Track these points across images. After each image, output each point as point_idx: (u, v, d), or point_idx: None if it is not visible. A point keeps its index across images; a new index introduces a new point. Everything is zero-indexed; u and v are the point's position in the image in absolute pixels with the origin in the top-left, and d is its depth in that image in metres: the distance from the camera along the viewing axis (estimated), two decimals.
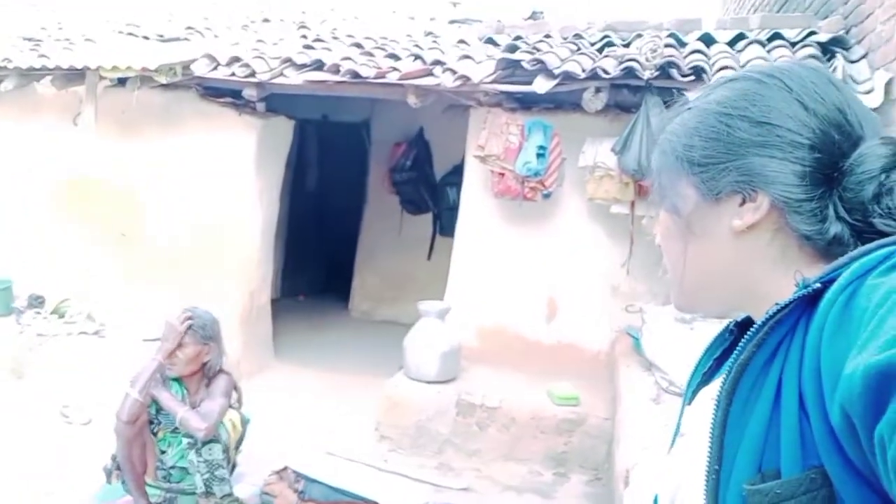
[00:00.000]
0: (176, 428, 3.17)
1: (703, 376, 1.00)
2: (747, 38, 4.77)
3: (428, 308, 4.59)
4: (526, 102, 4.85)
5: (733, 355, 0.78)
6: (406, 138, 7.29)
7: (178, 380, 3.27)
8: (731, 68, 4.16)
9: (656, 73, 4.20)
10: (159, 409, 3.20)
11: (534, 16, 7.08)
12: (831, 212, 0.80)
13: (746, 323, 0.98)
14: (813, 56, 4.32)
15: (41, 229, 5.65)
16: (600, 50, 4.71)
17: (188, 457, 3.16)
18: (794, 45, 4.62)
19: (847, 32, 4.58)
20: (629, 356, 4.27)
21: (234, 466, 3.38)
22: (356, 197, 7.84)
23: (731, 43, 4.78)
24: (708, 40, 4.80)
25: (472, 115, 5.01)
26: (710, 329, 3.15)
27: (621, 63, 4.27)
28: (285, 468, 3.39)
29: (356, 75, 4.61)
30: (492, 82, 4.51)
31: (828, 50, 4.41)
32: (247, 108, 5.31)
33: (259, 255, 5.42)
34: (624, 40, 4.93)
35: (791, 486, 0.67)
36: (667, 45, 4.53)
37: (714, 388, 0.92)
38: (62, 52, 5.30)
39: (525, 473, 4.16)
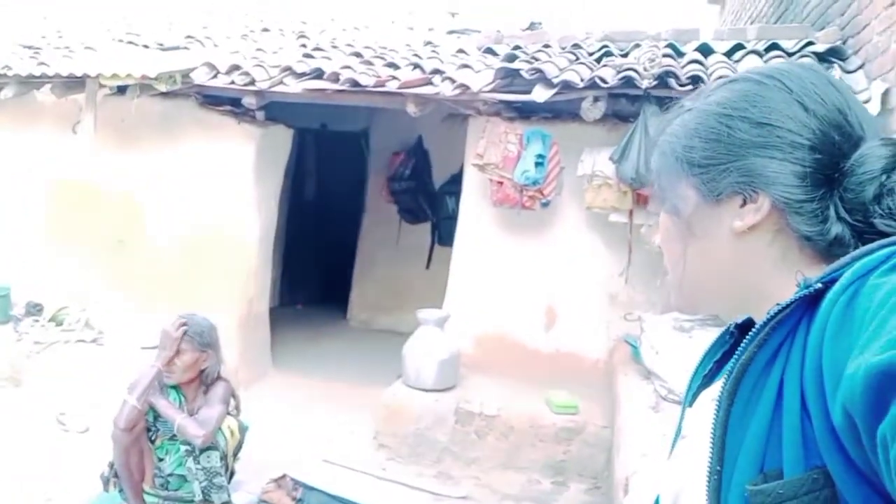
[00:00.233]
0: (174, 435, 3.17)
1: (704, 379, 1.00)
2: (745, 48, 4.79)
3: (427, 316, 4.59)
4: (524, 112, 4.87)
5: (735, 356, 0.78)
6: (405, 147, 7.31)
7: (175, 387, 3.26)
8: None
9: (654, 83, 4.21)
10: (157, 417, 3.19)
11: (532, 26, 7.12)
12: (832, 212, 0.80)
13: (747, 325, 0.99)
14: None
15: (40, 237, 5.65)
16: (598, 60, 4.73)
17: (186, 464, 3.15)
18: (791, 55, 4.64)
19: (844, 43, 4.61)
20: (628, 364, 4.27)
21: (232, 474, 3.37)
22: (355, 206, 7.85)
23: (729, 53, 4.80)
24: (706, 50, 4.82)
25: (471, 124, 5.02)
26: (708, 337, 3.14)
27: (619, 72, 4.29)
28: (283, 476, 3.38)
29: (355, 84, 4.62)
30: (490, 91, 4.53)
31: (824, 60, 4.43)
32: (246, 117, 5.32)
33: (257, 263, 5.42)
34: (622, 50, 4.95)
35: (793, 486, 0.67)
36: (665, 55, 4.55)
37: (715, 389, 0.92)
38: (62, 60, 5.31)
39: (524, 482, 4.15)
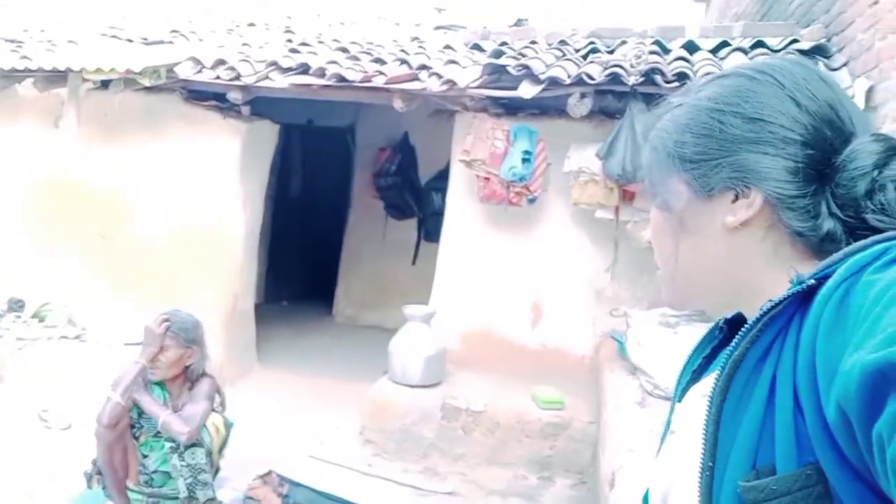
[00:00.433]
0: (158, 432, 3.13)
1: (693, 374, 1.00)
2: (730, 45, 4.81)
3: (413, 312, 4.58)
4: (511, 108, 4.87)
5: (727, 352, 0.78)
6: (391, 143, 7.29)
7: (160, 383, 3.22)
8: None
9: (641, 80, 4.22)
10: (141, 413, 3.16)
11: (519, 23, 7.11)
12: (824, 208, 0.80)
13: (736, 321, 0.99)
14: None
15: (21, 232, 5.59)
16: (585, 56, 4.74)
17: (171, 461, 3.13)
18: (776, 52, 4.66)
19: (828, 41, 4.64)
20: (613, 360, 4.28)
21: (217, 471, 3.35)
22: (340, 202, 7.83)
23: (715, 50, 4.81)
24: (691, 48, 4.84)
25: (458, 120, 5.02)
26: (694, 333, 3.17)
27: (606, 69, 4.30)
28: (269, 472, 3.36)
29: (342, 79, 4.60)
30: (478, 87, 4.53)
31: (809, 58, 4.45)
32: (231, 112, 5.29)
33: (243, 259, 5.39)
34: (608, 47, 4.96)
35: (786, 483, 0.67)
36: (651, 52, 4.56)
37: (706, 385, 0.92)
38: (45, 54, 5.25)
39: (510, 477, 4.15)
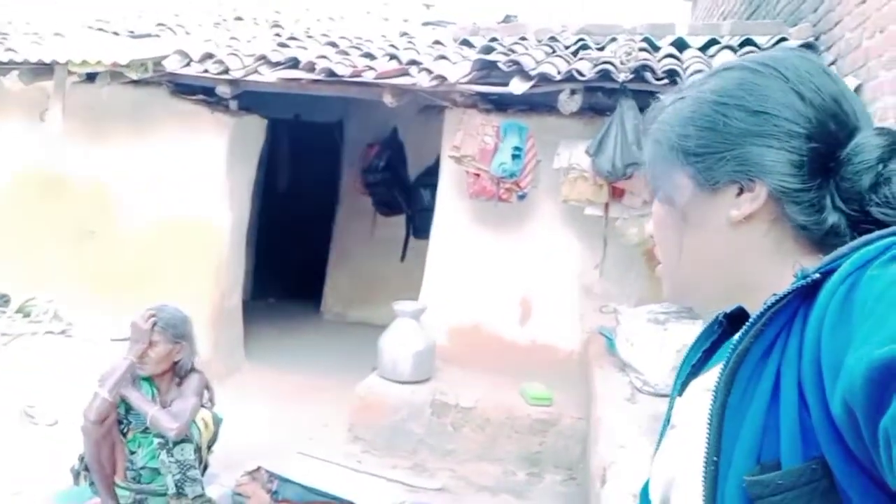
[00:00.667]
0: (146, 428, 3.13)
1: (693, 368, 1.01)
2: (719, 43, 4.83)
3: (403, 308, 4.57)
4: (501, 104, 4.87)
5: (730, 346, 0.78)
6: (379, 139, 7.26)
7: (148, 379, 3.21)
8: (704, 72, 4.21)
9: (631, 77, 4.23)
10: (129, 409, 3.15)
11: (507, 19, 7.11)
12: (828, 202, 0.80)
13: (735, 315, 0.99)
14: None
15: (6, 227, 5.52)
16: (575, 53, 4.74)
17: (159, 457, 3.11)
18: (764, 50, 4.69)
19: (816, 39, 4.67)
20: (602, 357, 4.29)
21: (205, 467, 3.34)
22: (328, 198, 7.80)
23: (704, 48, 4.83)
24: (681, 45, 4.85)
25: (448, 116, 5.01)
26: (683, 330, 3.18)
27: (596, 66, 4.30)
28: (258, 468, 3.35)
29: (331, 74, 4.58)
30: (468, 83, 4.51)
31: None
32: (219, 107, 5.25)
33: (230, 255, 5.36)
34: (598, 44, 4.96)
35: (792, 477, 0.67)
36: (641, 49, 4.57)
37: (707, 379, 0.92)
38: (30, 46, 5.19)
39: (499, 473, 4.16)
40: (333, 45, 5.15)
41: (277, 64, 4.82)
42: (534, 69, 4.35)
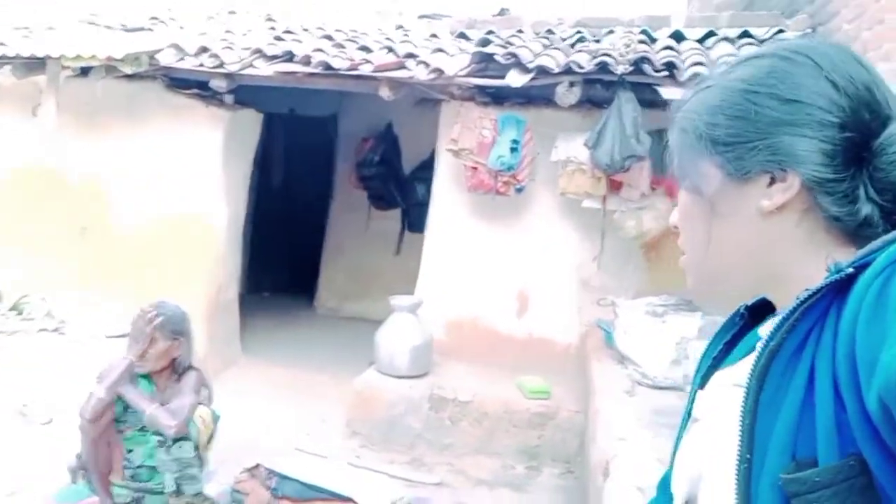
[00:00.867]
0: (144, 426, 3.09)
1: (714, 360, 0.99)
2: (717, 35, 4.82)
3: (400, 302, 4.55)
4: (498, 97, 4.84)
5: (755, 338, 0.76)
6: (374, 133, 7.23)
7: (146, 376, 3.18)
8: (702, 64, 4.21)
9: (630, 69, 4.21)
10: (126, 407, 3.11)
11: (502, 12, 7.07)
12: (861, 192, 0.79)
13: (757, 307, 0.98)
14: None
15: None
16: (573, 45, 4.72)
17: (157, 455, 3.08)
18: (762, 42, 4.67)
19: (814, 31, 4.66)
20: (600, 350, 4.29)
21: (203, 464, 3.31)
22: (323, 192, 7.76)
23: (701, 40, 4.82)
24: (678, 37, 4.83)
25: (445, 110, 4.98)
26: (682, 322, 3.16)
27: (595, 58, 4.28)
28: (257, 465, 3.32)
29: (328, 67, 4.54)
30: (466, 76, 4.49)
31: None
32: (214, 101, 5.21)
33: (226, 249, 5.32)
34: (595, 36, 4.95)
35: (830, 474, 0.66)
36: (639, 42, 4.55)
37: (733, 373, 0.90)
38: (23, 41, 5.13)
39: (497, 467, 4.15)
40: (329, 38, 5.11)
41: (273, 57, 4.78)
42: (531, 62, 4.33)
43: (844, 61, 0.81)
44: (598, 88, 4.51)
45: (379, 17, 6.84)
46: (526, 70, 4.34)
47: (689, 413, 1.00)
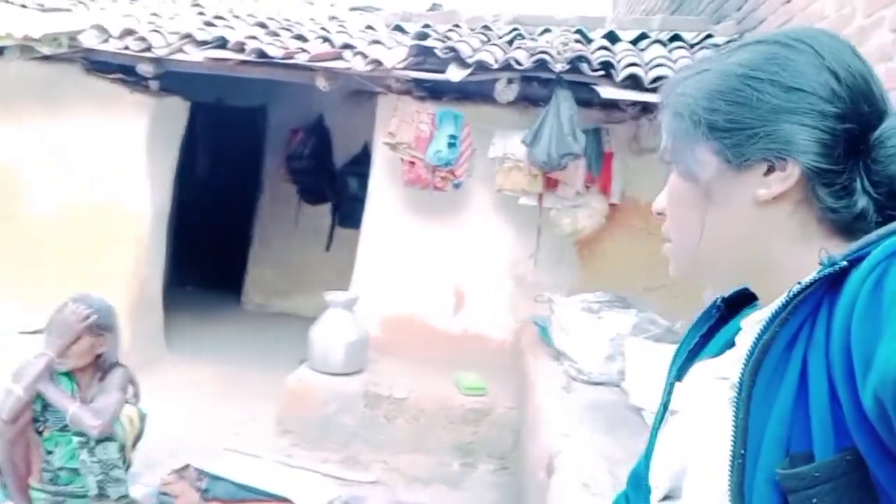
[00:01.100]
0: (65, 426, 2.92)
1: (689, 353, 0.99)
2: (649, 37, 4.92)
3: (335, 298, 4.46)
4: (435, 91, 4.81)
5: (756, 335, 0.75)
6: (304, 125, 7.08)
7: (68, 373, 3.01)
8: (637, 65, 4.28)
9: (567, 67, 4.25)
10: (45, 406, 2.94)
11: (434, 7, 7.05)
12: (858, 185, 0.78)
13: (734, 299, 0.97)
14: None
15: None
16: (510, 42, 4.73)
17: (80, 457, 2.92)
18: (692, 46, 4.80)
19: (741, 37, 4.80)
20: (535, 346, 4.30)
21: (129, 466, 3.16)
22: (250, 185, 7.55)
23: (635, 42, 4.91)
24: (613, 38, 4.91)
25: (381, 103, 4.91)
26: (617, 319, 3.18)
27: (533, 55, 4.30)
28: (186, 466, 3.20)
29: (262, 55, 4.41)
30: (404, 69, 4.43)
31: None
32: (139, 87, 4.99)
33: (150, 242, 5.11)
34: (530, 34, 4.98)
35: (827, 469, 0.66)
36: (575, 41, 4.60)
37: (714, 364, 0.90)
38: None
39: (433, 464, 4.12)
40: (262, 25, 4.97)
41: (204, 43, 4.60)
42: (471, 57, 4.31)
43: (844, 52, 0.81)
44: (535, 86, 4.53)
45: (311, 7, 6.71)
46: (465, 65, 4.33)
47: (665, 406, 0.99)
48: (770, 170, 0.80)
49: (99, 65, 4.89)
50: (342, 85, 4.74)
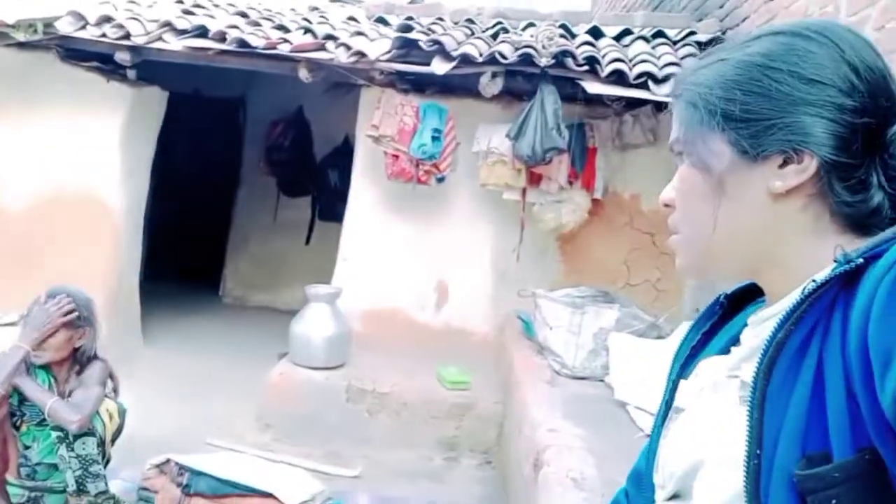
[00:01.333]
0: (42, 420, 2.87)
1: (692, 350, 0.98)
2: (633, 33, 4.93)
3: (317, 292, 4.42)
4: (419, 84, 4.78)
5: (771, 332, 0.74)
6: (284, 117, 7.01)
7: (45, 367, 2.95)
8: (622, 61, 4.28)
9: (552, 62, 4.23)
10: (22, 400, 2.88)
11: (415, 0, 7.00)
12: (874, 180, 0.78)
13: (737, 296, 0.96)
14: (692, 55, 4.52)
15: None
16: (494, 36, 4.71)
17: (58, 452, 2.87)
18: (675, 42, 4.82)
19: (723, 34, 4.82)
20: (519, 340, 4.31)
21: (108, 461, 3.10)
22: (229, 177, 7.46)
23: (618, 38, 4.91)
24: (596, 33, 4.91)
25: (364, 95, 4.87)
26: (600, 313, 3.19)
27: (518, 49, 4.28)
28: (167, 461, 3.13)
29: (244, 44, 4.34)
30: (388, 61, 4.40)
31: (706, 50, 4.61)
32: (115, 76, 4.89)
33: (127, 233, 5.03)
34: (514, 28, 4.96)
35: (846, 469, 0.65)
36: (559, 36, 4.59)
37: (724, 361, 0.88)
38: None
39: (416, 459, 4.09)
40: (243, 15, 4.89)
41: (183, 32, 4.52)
42: (456, 50, 4.28)
43: (862, 47, 0.80)
44: (519, 80, 4.51)
45: None
46: (450, 58, 4.29)
47: (668, 403, 0.98)
48: (786, 162, 0.79)
49: (74, 52, 4.79)
50: (324, 76, 4.69)
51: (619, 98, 4.40)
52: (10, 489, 2.90)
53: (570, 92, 4.40)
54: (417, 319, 4.89)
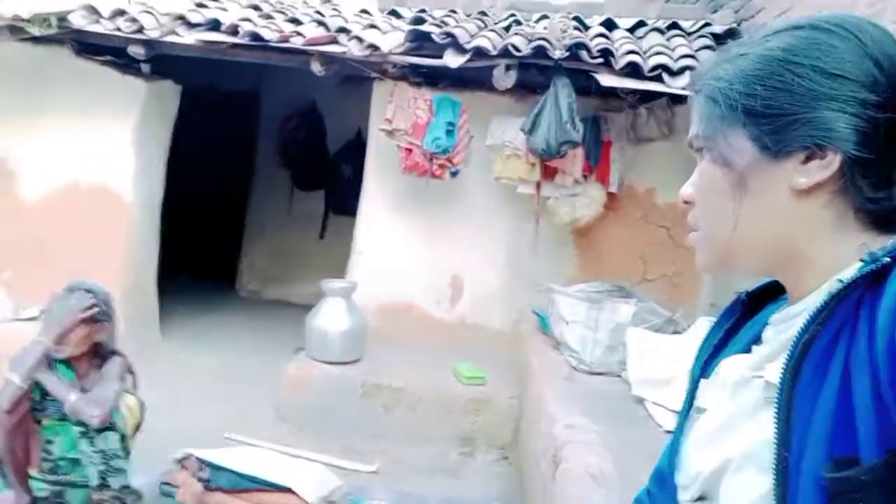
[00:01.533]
0: (64, 415, 2.89)
1: (714, 348, 0.97)
2: (647, 25, 4.89)
3: (333, 286, 4.42)
4: (432, 77, 4.76)
5: (797, 333, 0.74)
6: (297, 110, 7.01)
7: (65, 362, 2.97)
8: (636, 53, 4.25)
9: (566, 54, 4.21)
10: (44, 395, 2.90)
11: None
12: None
13: (758, 294, 0.95)
14: (708, 47, 4.49)
15: None
16: (507, 28, 4.69)
17: (80, 447, 2.89)
18: (690, 34, 4.78)
19: (739, 25, 4.78)
20: (535, 335, 4.30)
21: (128, 455, 3.12)
22: (243, 171, 7.47)
23: (632, 30, 4.88)
24: (610, 25, 4.88)
25: (377, 88, 4.85)
26: (617, 309, 3.17)
27: (532, 42, 4.26)
28: (188, 456, 3.15)
29: (257, 38, 4.34)
30: (401, 54, 4.38)
31: (722, 41, 4.58)
32: (130, 70, 4.90)
33: (144, 228, 5.05)
34: (527, 20, 4.94)
35: (876, 472, 0.64)
36: (573, 28, 4.56)
37: (747, 361, 0.88)
38: None
39: (432, 454, 4.10)
40: (256, 8, 4.89)
41: (197, 25, 4.52)
42: (469, 42, 4.27)
43: (885, 41, 0.79)
44: (533, 73, 4.49)
45: None
46: (463, 51, 4.28)
47: (690, 403, 0.97)
48: (808, 158, 0.78)
49: (87, 47, 4.79)
50: (337, 70, 4.68)
51: (634, 91, 4.37)
52: (34, 483, 2.92)
53: (584, 85, 4.37)
54: (432, 314, 4.90)
